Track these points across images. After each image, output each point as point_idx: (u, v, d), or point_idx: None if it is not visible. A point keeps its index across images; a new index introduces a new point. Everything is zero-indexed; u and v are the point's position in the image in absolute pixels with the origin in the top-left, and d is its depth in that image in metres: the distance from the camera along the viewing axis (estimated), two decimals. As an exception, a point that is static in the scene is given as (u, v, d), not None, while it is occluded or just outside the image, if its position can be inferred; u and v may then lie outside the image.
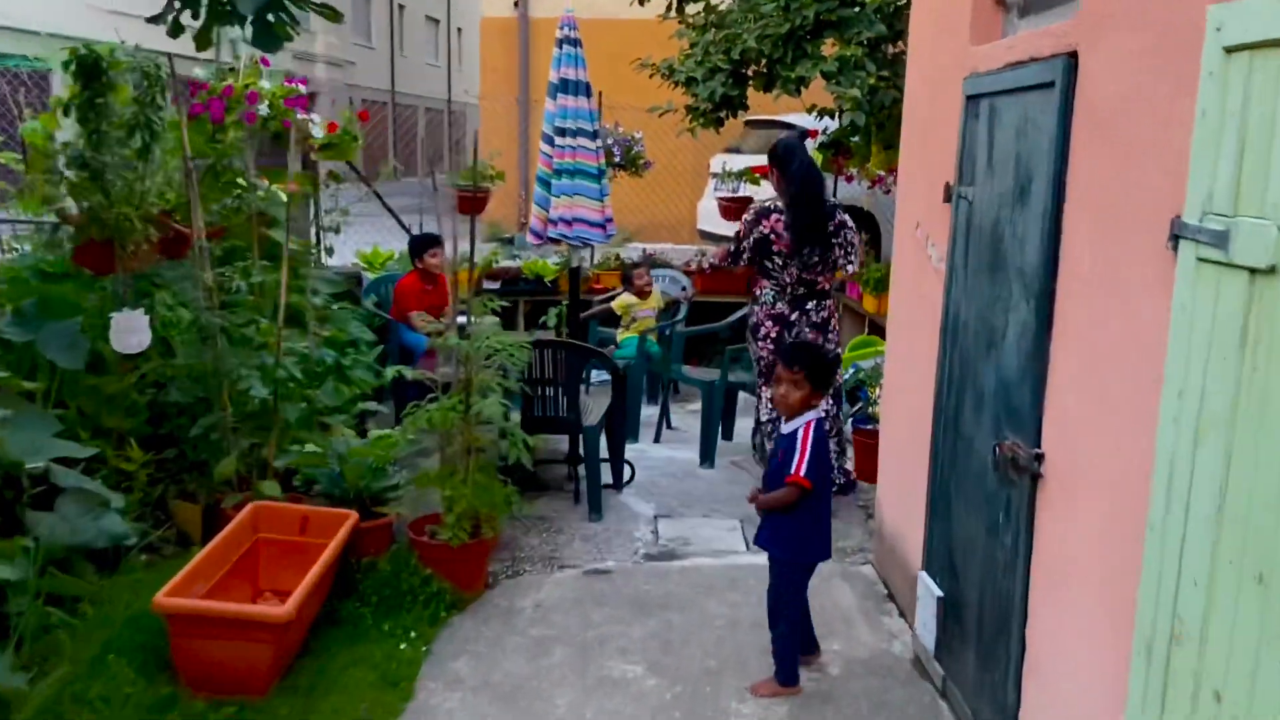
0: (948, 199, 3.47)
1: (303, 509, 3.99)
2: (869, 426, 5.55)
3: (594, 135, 5.05)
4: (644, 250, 8.79)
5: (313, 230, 7.93)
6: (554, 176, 5.01)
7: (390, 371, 4.82)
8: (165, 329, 4.39)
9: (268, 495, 4.05)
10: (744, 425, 6.45)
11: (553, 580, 4.26)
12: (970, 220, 3.26)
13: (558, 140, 5.01)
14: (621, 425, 5.26)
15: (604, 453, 5.18)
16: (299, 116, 5.50)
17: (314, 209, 7.94)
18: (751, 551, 4.63)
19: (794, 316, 5.30)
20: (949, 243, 3.45)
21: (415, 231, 8.40)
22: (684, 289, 7.60)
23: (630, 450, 5.89)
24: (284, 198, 6.02)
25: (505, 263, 8.24)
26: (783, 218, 5.09)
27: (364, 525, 4.02)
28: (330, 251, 8.01)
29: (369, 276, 7.68)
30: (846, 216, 5.28)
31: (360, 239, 8.71)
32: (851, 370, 6.56)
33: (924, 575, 3.61)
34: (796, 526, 3.47)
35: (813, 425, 3.44)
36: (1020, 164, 2.86)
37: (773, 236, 5.13)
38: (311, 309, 6.19)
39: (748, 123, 10.75)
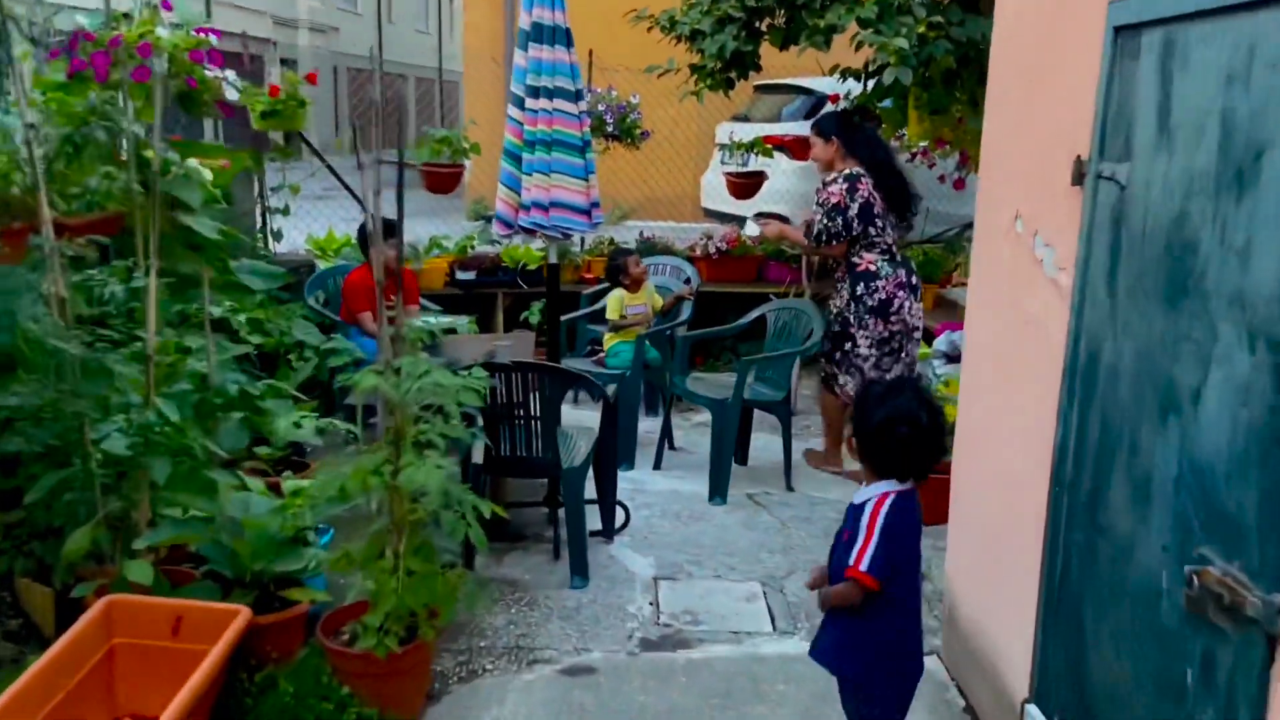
0: (1078, 180, 2.40)
1: (174, 604, 2.94)
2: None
3: (576, 96, 3.96)
4: (640, 234, 7.70)
5: (258, 212, 6.87)
6: (525, 149, 3.94)
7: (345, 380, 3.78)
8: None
9: (135, 580, 3.00)
10: (764, 444, 5.41)
11: (519, 685, 3.22)
12: (1123, 213, 2.20)
13: (529, 103, 3.93)
14: (612, 460, 4.21)
15: (591, 491, 4.14)
16: (209, 74, 4.40)
17: (259, 188, 6.88)
18: (779, 634, 3.60)
19: (914, 280, 5.13)
20: (1079, 244, 2.39)
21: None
22: (688, 281, 6.52)
23: (624, 480, 4.85)
24: (207, 175, 4.99)
25: (482, 249, 7.15)
26: (869, 180, 4.97)
27: (263, 621, 2.98)
28: (278, 236, 6.96)
29: (323, 266, 6.60)
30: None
31: (320, 222, 7.64)
32: (889, 380, 5.50)
33: (1034, 711, 2.57)
34: (868, 632, 2.45)
35: (887, 502, 2.41)
36: (1235, 129, 1.80)
37: (874, 200, 4.95)
38: (235, 316, 5.15)
39: (757, 88, 9.62)
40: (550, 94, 3.89)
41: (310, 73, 6.49)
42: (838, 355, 5.00)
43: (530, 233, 4.03)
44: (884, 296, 4.91)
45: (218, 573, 3.20)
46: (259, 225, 6.78)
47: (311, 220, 7.52)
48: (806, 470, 5.27)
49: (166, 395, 3.26)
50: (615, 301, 5.46)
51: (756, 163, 7.60)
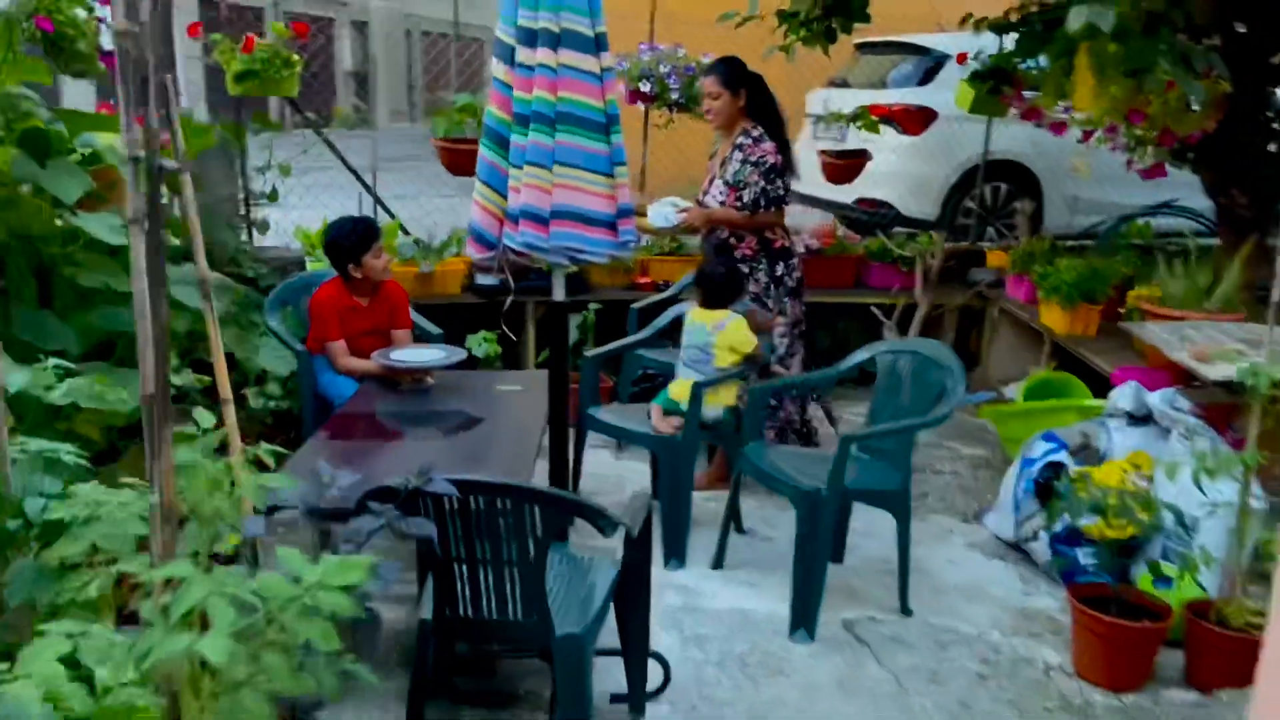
0: None
1: None
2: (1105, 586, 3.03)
3: (596, 44, 2.50)
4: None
5: (240, 198, 5.59)
6: (514, 127, 2.51)
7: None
8: None
9: None
10: (866, 526, 3.94)
11: None
12: None
13: (522, 55, 2.48)
14: (637, 604, 2.79)
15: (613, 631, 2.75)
16: (76, 13, 3.06)
17: (241, 168, 5.59)
18: None
19: None
20: None
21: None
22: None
23: (670, 588, 3.47)
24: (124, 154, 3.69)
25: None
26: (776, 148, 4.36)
27: None
28: (263, 228, 5.66)
29: (312, 267, 5.29)
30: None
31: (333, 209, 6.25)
32: (1044, 451, 3.97)
33: None
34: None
35: None
36: None
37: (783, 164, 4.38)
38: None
39: (859, 46, 8.03)
40: (554, 40, 2.45)
41: (298, 23, 5.14)
42: None
43: (521, 257, 2.60)
44: (801, 275, 4.59)
45: None
46: (243, 213, 5.50)
47: (324, 208, 6.15)
48: (925, 577, 3.78)
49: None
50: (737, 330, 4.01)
51: (857, 138, 6.04)
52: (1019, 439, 4.60)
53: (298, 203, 6.01)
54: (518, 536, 2.25)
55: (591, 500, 2.36)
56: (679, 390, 3.86)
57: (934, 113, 6.87)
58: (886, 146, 6.78)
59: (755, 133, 4.32)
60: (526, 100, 2.48)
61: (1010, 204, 7.02)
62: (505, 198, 2.54)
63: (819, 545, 3.29)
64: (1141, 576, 3.41)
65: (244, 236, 5.42)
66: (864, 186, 6.83)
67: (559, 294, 2.69)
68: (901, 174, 6.89)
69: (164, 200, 4.74)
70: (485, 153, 2.57)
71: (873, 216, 7.00)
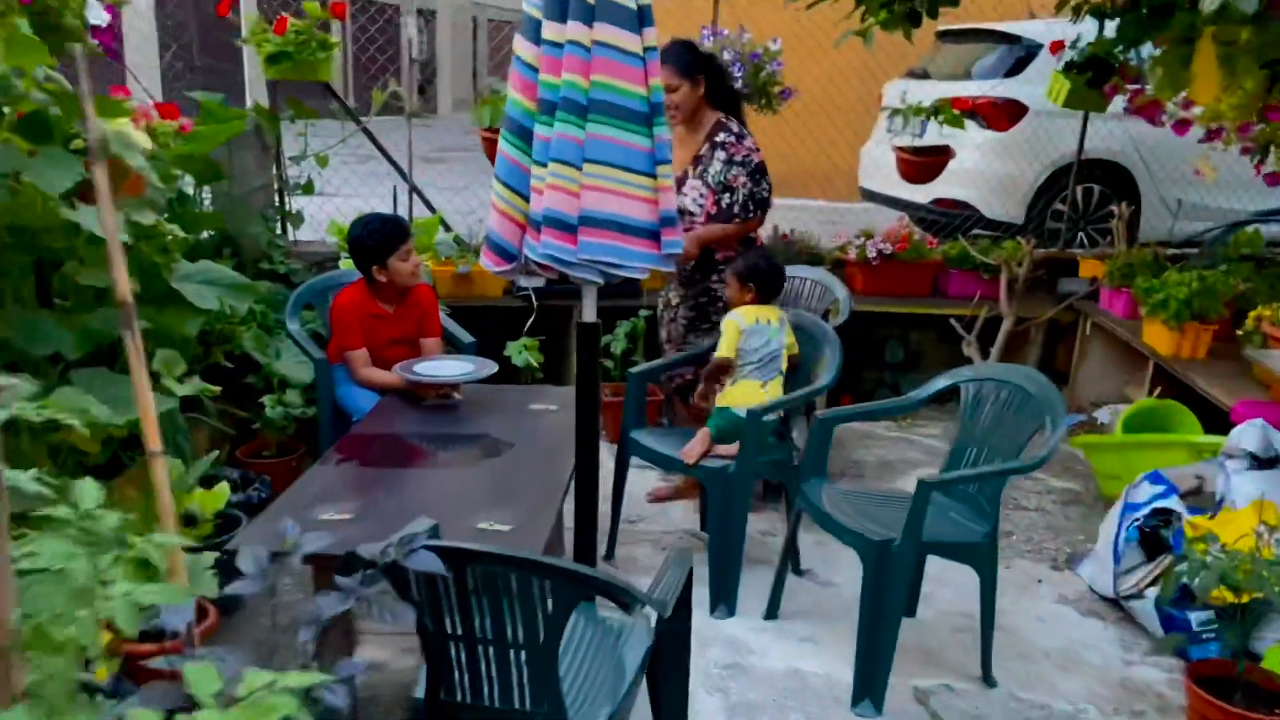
0: None
1: None
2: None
3: (638, 19, 2.08)
4: (774, 229, 5.74)
5: (276, 189, 5.27)
6: (537, 117, 2.11)
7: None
8: None
9: None
10: (942, 575, 3.48)
11: None
12: None
13: (549, 30, 2.08)
14: (673, 676, 2.38)
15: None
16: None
17: (276, 157, 5.28)
18: None
19: None
20: None
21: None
22: (835, 301, 4.56)
23: (716, 641, 3.06)
24: (141, 142, 3.47)
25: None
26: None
27: None
28: (297, 222, 5.34)
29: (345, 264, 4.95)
30: None
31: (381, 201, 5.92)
32: (1151, 495, 3.48)
33: None
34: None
35: None
36: None
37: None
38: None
39: (940, 35, 7.49)
40: (588, 13, 2.04)
41: (336, 3, 4.80)
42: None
43: (547, 270, 2.19)
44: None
45: None
46: (278, 205, 5.19)
47: (368, 199, 5.80)
48: (1009, 638, 3.31)
49: None
50: (732, 329, 3.55)
51: (938, 134, 5.54)
52: (1116, 475, 4.10)
53: (351, 193, 5.67)
54: (524, 613, 1.85)
55: (612, 577, 1.93)
56: (748, 397, 3.42)
57: (1023, 107, 6.32)
58: (969, 143, 6.27)
59: (734, 127, 3.83)
60: (554, 85, 2.07)
61: (1104, 208, 6.45)
62: (528, 200, 2.14)
63: (889, 604, 2.84)
64: (1269, 651, 2.91)
65: (278, 230, 5.11)
66: (943, 186, 6.32)
67: (589, 313, 2.29)
68: (985, 173, 6.36)
69: (189, 191, 4.44)
70: (506, 147, 2.17)
71: (952, 219, 6.47)
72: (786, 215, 6.37)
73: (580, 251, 2.08)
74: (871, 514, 3.01)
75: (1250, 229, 5.85)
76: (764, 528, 4.01)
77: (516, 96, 2.17)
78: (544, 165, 2.08)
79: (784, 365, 3.52)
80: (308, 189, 5.13)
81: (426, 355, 3.74)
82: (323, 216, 5.39)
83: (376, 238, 3.54)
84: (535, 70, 2.13)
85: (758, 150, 3.83)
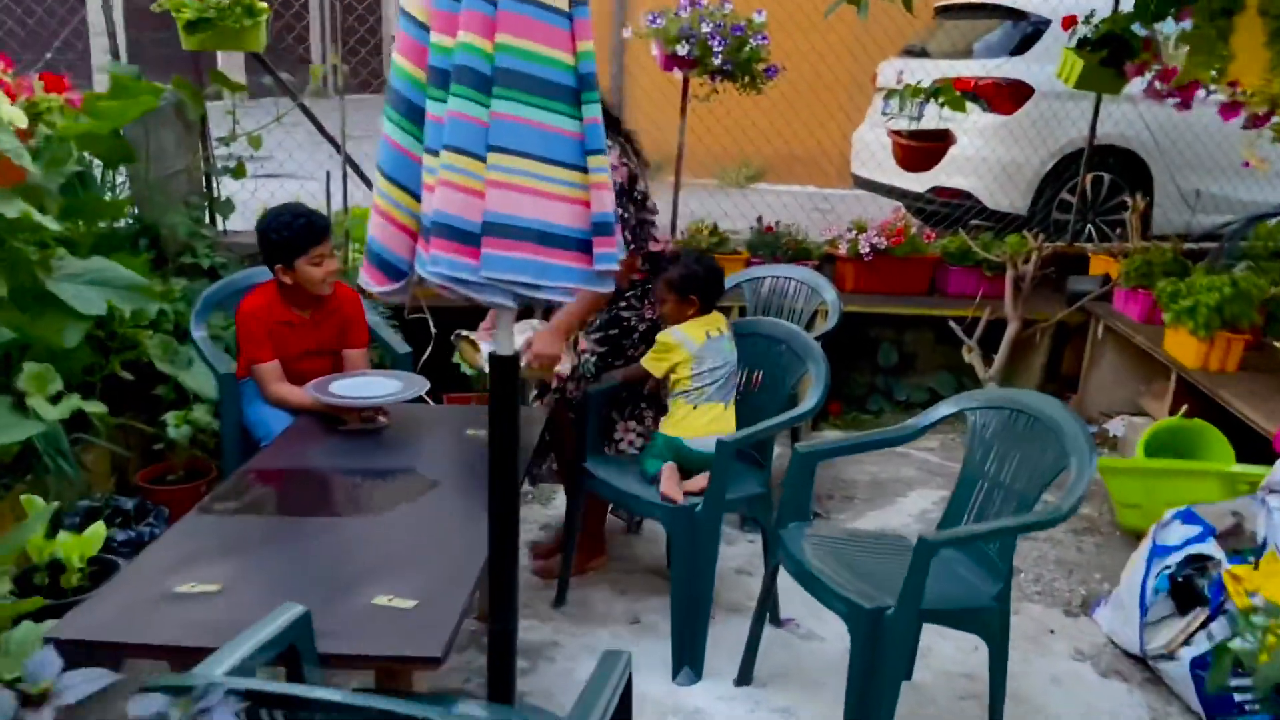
0: None
1: None
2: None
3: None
4: (759, 219, 5.23)
5: (203, 172, 4.74)
6: (429, 90, 1.62)
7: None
8: None
9: None
10: (942, 628, 3.00)
11: None
12: None
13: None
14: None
15: None
16: None
17: (203, 136, 4.74)
18: None
19: None
20: None
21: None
22: (823, 304, 4.07)
23: (678, 709, 2.58)
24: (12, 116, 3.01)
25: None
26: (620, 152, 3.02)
27: None
28: (227, 210, 4.81)
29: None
30: None
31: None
32: (1184, 539, 3.01)
33: None
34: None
35: None
36: None
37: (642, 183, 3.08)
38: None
39: (940, 10, 6.99)
40: (497, -44, 1.55)
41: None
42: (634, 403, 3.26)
43: (446, 290, 1.69)
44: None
45: None
46: (205, 190, 4.66)
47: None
48: (1020, 706, 2.84)
49: None
50: (678, 353, 3.08)
51: (937, 117, 5.04)
52: (1137, 504, 3.63)
53: (307, 176, 5.12)
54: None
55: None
56: (714, 424, 2.95)
57: (1029, 88, 5.81)
58: (971, 127, 5.77)
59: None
60: (446, 49, 1.57)
61: (1114, 198, 5.97)
62: (419, 200, 1.65)
63: (883, 680, 2.37)
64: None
65: (206, 219, 4.59)
66: (943, 174, 5.85)
67: (505, 343, 1.79)
68: (988, 159, 5.86)
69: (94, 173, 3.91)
70: (391, 130, 1.67)
71: (952, 209, 5.98)
72: (772, 202, 5.88)
73: (484, 268, 1.59)
74: (862, 568, 2.53)
75: (1272, 222, 5.38)
76: (739, 563, 3.53)
77: (402, 63, 1.66)
78: (435, 154, 1.59)
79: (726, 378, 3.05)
80: (238, 172, 4.61)
81: (349, 370, 3.25)
82: (265, 203, 4.87)
83: (283, 234, 3.03)
84: (426, 30, 1.62)
85: (621, 166, 2.97)
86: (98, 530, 2.77)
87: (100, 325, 3.60)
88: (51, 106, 3.33)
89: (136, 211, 4.33)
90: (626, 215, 2.96)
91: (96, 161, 4.06)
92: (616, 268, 1.72)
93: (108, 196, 4.13)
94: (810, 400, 2.89)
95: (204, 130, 4.58)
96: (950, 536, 2.35)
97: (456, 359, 4.15)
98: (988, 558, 2.56)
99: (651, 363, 3.03)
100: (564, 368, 2.97)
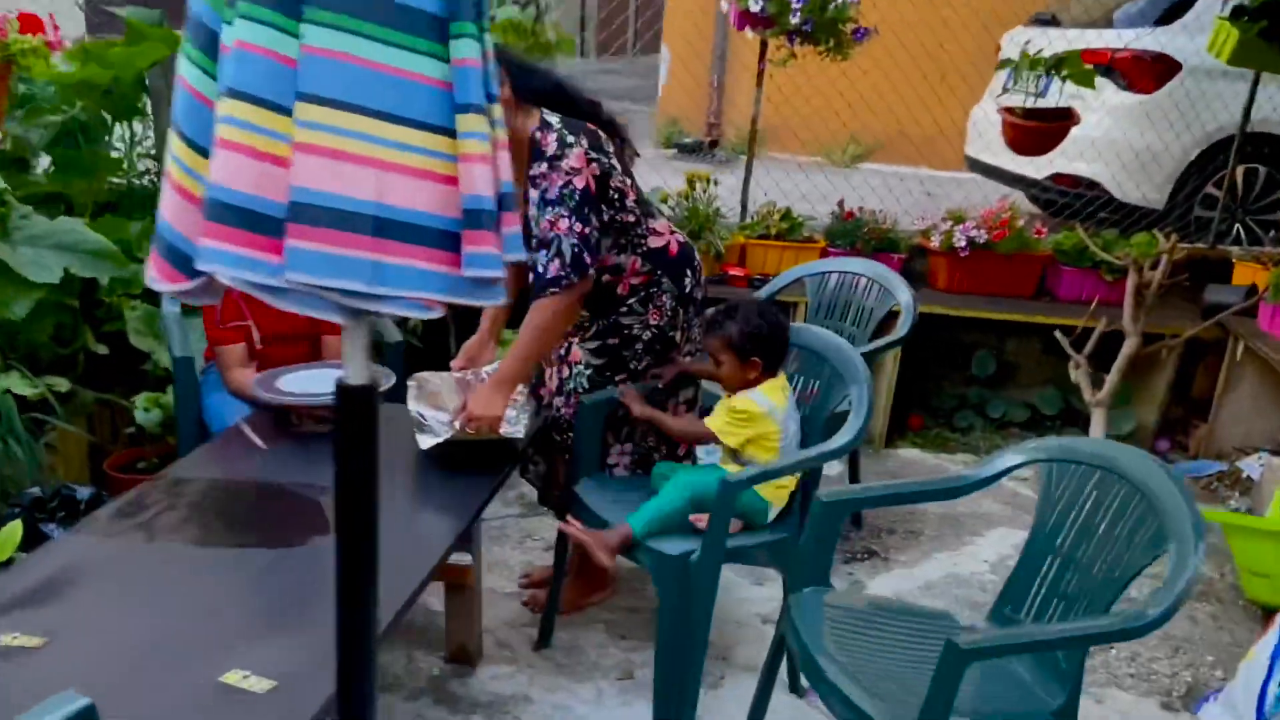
0: None
1: None
2: None
3: None
4: (839, 204, 4.61)
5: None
6: (224, 9, 1.18)
7: None
8: None
9: None
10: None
11: None
12: None
13: None
14: None
15: None
16: None
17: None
18: None
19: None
20: None
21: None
22: (897, 303, 3.47)
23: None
24: None
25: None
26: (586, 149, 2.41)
27: None
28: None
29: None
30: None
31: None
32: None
33: None
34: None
35: None
36: None
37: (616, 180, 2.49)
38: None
39: (1078, -28, 6.18)
40: None
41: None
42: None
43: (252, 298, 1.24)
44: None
45: None
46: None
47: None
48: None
49: None
50: (763, 422, 2.45)
51: (1060, 94, 4.33)
52: (1267, 574, 2.96)
53: None
54: None
55: None
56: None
57: (1175, 63, 5.02)
58: (1101, 106, 5.02)
59: (551, 140, 2.41)
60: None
61: (1270, 194, 5.14)
62: (205, 161, 1.19)
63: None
64: None
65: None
66: (1064, 159, 5.10)
67: (356, 370, 1.32)
68: (1119, 144, 5.10)
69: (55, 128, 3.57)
70: (185, 71, 1.21)
71: (1073, 200, 5.25)
72: (876, 184, 5.28)
73: (289, 268, 1.12)
74: (889, 662, 1.98)
75: None
76: (766, 610, 3.00)
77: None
78: (231, 100, 1.12)
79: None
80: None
81: (327, 359, 2.85)
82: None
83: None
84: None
85: (589, 165, 2.40)
86: (12, 530, 2.43)
87: (86, 293, 3.30)
88: (25, 49, 3.01)
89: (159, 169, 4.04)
90: (596, 224, 2.41)
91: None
92: (500, 274, 1.22)
93: (120, 153, 3.84)
94: (842, 436, 2.33)
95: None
96: (990, 643, 1.78)
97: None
98: (1051, 657, 1.98)
99: (730, 431, 2.45)
100: (514, 430, 2.43)
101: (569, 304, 2.43)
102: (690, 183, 4.27)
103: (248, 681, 1.58)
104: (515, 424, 2.43)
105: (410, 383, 2.55)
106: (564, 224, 2.37)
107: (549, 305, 2.40)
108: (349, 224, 1.15)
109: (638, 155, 2.70)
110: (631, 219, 2.53)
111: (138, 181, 3.92)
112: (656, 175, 4.78)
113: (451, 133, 1.19)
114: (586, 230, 2.38)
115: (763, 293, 3.68)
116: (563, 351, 2.71)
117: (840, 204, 4.54)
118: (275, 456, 2.46)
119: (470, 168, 1.19)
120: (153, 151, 4.02)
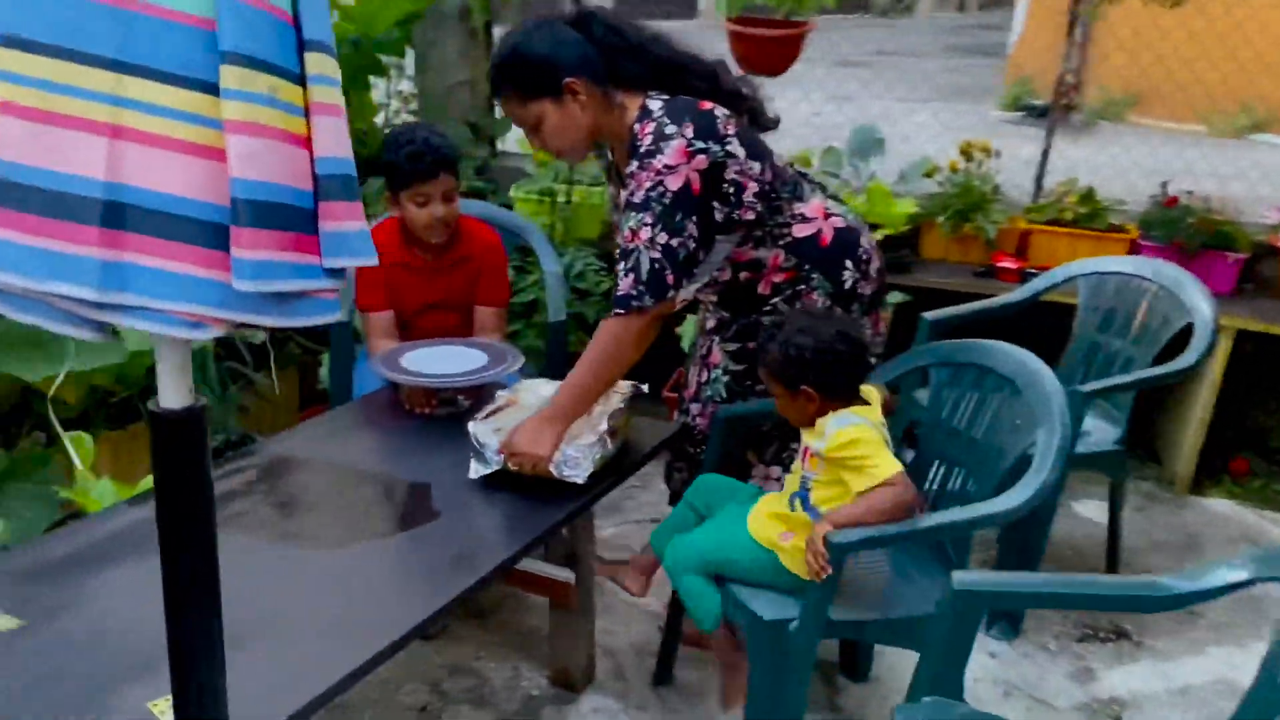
0: None
1: None
2: None
3: None
4: (1162, 186, 3.69)
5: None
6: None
7: None
8: None
9: None
10: None
11: None
12: None
13: None
14: None
15: None
16: None
17: (488, 46, 4.34)
18: None
19: None
20: None
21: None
22: (1207, 317, 2.66)
23: None
24: None
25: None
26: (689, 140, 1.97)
27: None
28: (502, 130, 4.33)
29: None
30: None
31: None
32: None
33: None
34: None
35: None
36: None
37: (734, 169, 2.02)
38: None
39: None
40: None
41: None
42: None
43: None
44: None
45: None
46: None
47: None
48: None
49: None
50: (875, 443, 1.82)
51: None
52: None
53: None
54: None
55: None
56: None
57: None
58: None
59: (645, 133, 2.00)
60: None
61: None
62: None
63: None
64: None
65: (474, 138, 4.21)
66: None
67: (168, 392, 1.03)
68: None
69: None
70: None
71: None
72: (1265, 161, 4.28)
73: (8, 267, 0.87)
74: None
75: None
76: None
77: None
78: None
79: None
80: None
81: (478, 332, 2.67)
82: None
83: (389, 157, 2.47)
84: None
85: (691, 160, 1.96)
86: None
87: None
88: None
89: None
90: (694, 233, 1.97)
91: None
92: (317, 284, 0.91)
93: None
94: (1011, 496, 1.76)
95: (489, 38, 4.17)
96: None
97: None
98: None
99: (887, 466, 1.82)
100: (573, 474, 1.99)
101: (639, 329, 2.00)
102: (965, 153, 3.63)
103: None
104: (576, 466, 1.98)
105: (500, 393, 2.25)
106: (645, 233, 1.95)
107: (612, 328, 2.00)
108: (66, 210, 0.87)
109: (776, 124, 2.21)
110: (751, 216, 2.07)
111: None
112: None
113: (212, 89, 0.88)
114: (674, 242, 1.95)
115: (1023, 293, 3.01)
116: (704, 352, 2.32)
117: (1164, 186, 3.65)
118: (374, 439, 2.32)
119: (244, 141, 0.88)
120: None
